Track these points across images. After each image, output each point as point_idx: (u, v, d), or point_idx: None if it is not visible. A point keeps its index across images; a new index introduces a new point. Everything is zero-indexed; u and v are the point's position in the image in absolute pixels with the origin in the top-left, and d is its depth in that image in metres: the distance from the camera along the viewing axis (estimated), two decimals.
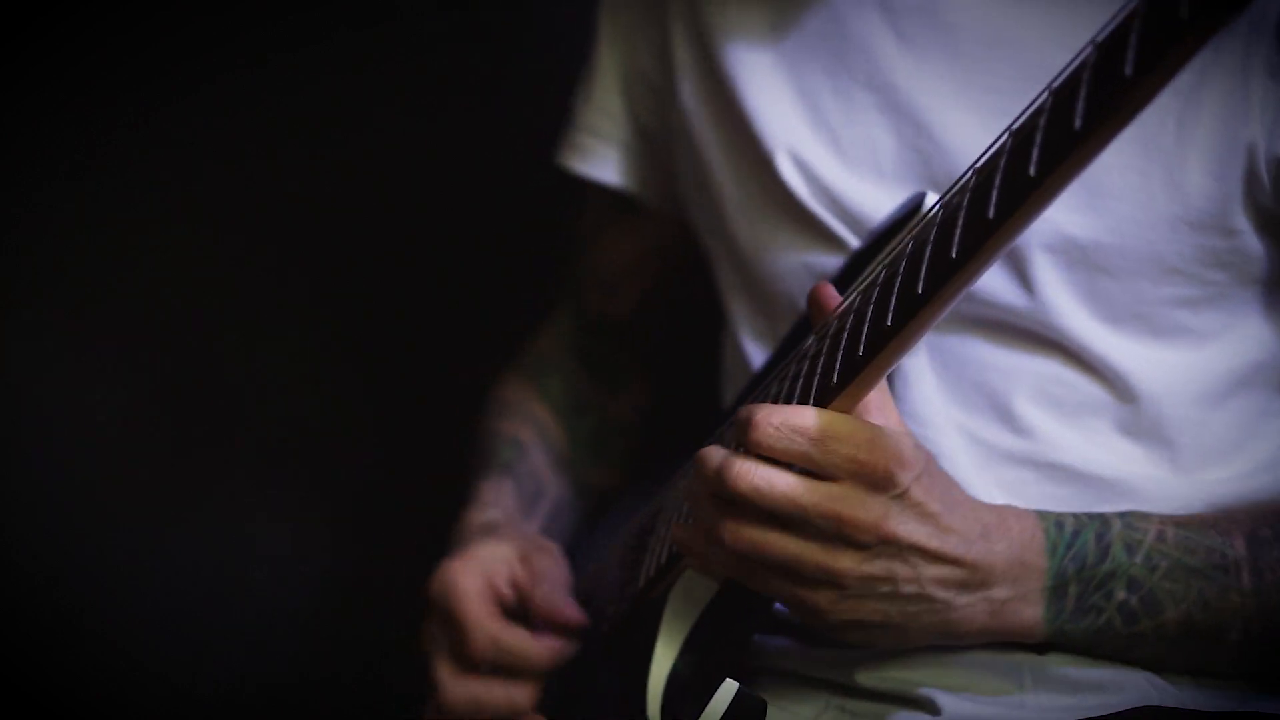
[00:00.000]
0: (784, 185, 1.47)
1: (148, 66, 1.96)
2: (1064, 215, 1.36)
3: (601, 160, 1.67)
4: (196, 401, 2.03)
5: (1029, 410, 1.40)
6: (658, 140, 1.64)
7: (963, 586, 1.24)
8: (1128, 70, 0.98)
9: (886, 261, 1.20)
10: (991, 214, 1.08)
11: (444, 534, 1.61)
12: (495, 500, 1.63)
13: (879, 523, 1.19)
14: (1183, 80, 1.01)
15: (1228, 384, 1.41)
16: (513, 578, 1.47)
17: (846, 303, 1.24)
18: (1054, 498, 1.38)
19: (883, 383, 1.22)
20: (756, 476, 1.19)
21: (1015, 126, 1.09)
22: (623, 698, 1.35)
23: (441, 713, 1.46)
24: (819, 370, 1.23)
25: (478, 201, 2.02)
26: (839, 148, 1.46)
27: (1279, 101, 1.32)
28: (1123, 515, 1.30)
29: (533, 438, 1.72)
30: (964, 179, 1.13)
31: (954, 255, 1.11)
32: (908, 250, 1.17)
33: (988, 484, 1.39)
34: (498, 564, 1.48)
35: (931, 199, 1.32)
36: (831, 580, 1.21)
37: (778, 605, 1.32)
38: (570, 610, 1.44)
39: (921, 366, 1.41)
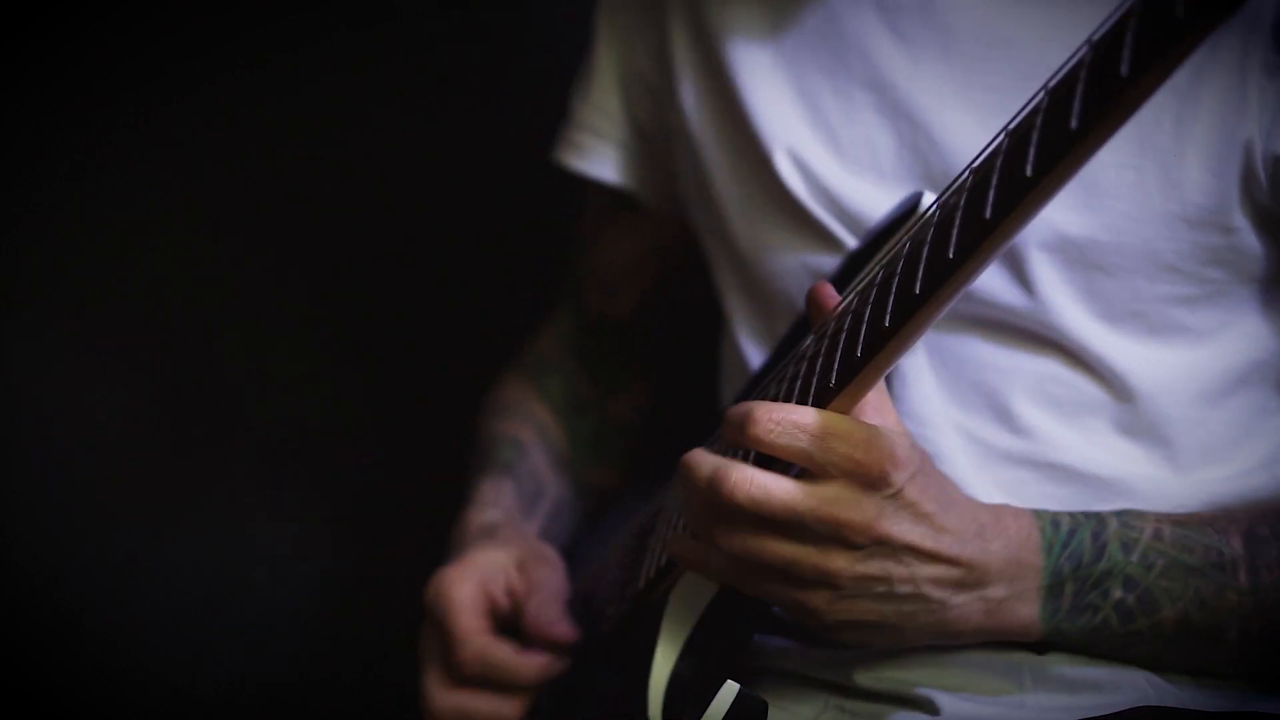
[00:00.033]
0: (782, 184, 1.47)
1: (148, 66, 1.96)
2: (1061, 214, 1.36)
3: (600, 158, 1.67)
4: (196, 401, 2.03)
5: (1027, 410, 1.40)
6: (656, 140, 1.64)
7: (958, 586, 1.24)
8: (1124, 69, 0.98)
9: (884, 262, 1.20)
10: (988, 214, 1.08)
11: (444, 534, 1.61)
12: (495, 500, 1.63)
13: (872, 523, 1.19)
14: (1180, 78, 1.01)
15: (1226, 382, 1.41)
16: (509, 585, 1.48)
17: (844, 303, 1.23)
18: (1052, 497, 1.38)
19: (881, 383, 1.22)
20: (754, 488, 1.19)
21: (1011, 126, 1.09)
22: (623, 698, 1.35)
23: None
24: (817, 371, 1.23)
25: (478, 201, 2.02)
26: (838, 147, 1.46)
27: (1276, 99, 1.32)
28: (1119, 514, 1.30)
29: (533, 438, 1.72)
30: (961, 179, 1.13)
31: (951, 255, 1.11)
32: (905, 251, 1.17)
33: (986, 484, 1.39)
34: (494, 571, 1.48)
35: (929, 198, 1.32)
36: (826, 581, 1.21)
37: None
38: (560, 627, 1.44)
39: (920, 366, 1.41)
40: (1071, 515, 1.29)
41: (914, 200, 1.35)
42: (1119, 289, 1.38)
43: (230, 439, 2.03)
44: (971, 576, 1.24)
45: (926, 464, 1.22)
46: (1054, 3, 1.38)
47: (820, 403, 1.21)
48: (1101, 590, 1.27)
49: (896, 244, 1.19)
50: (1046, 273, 1.38)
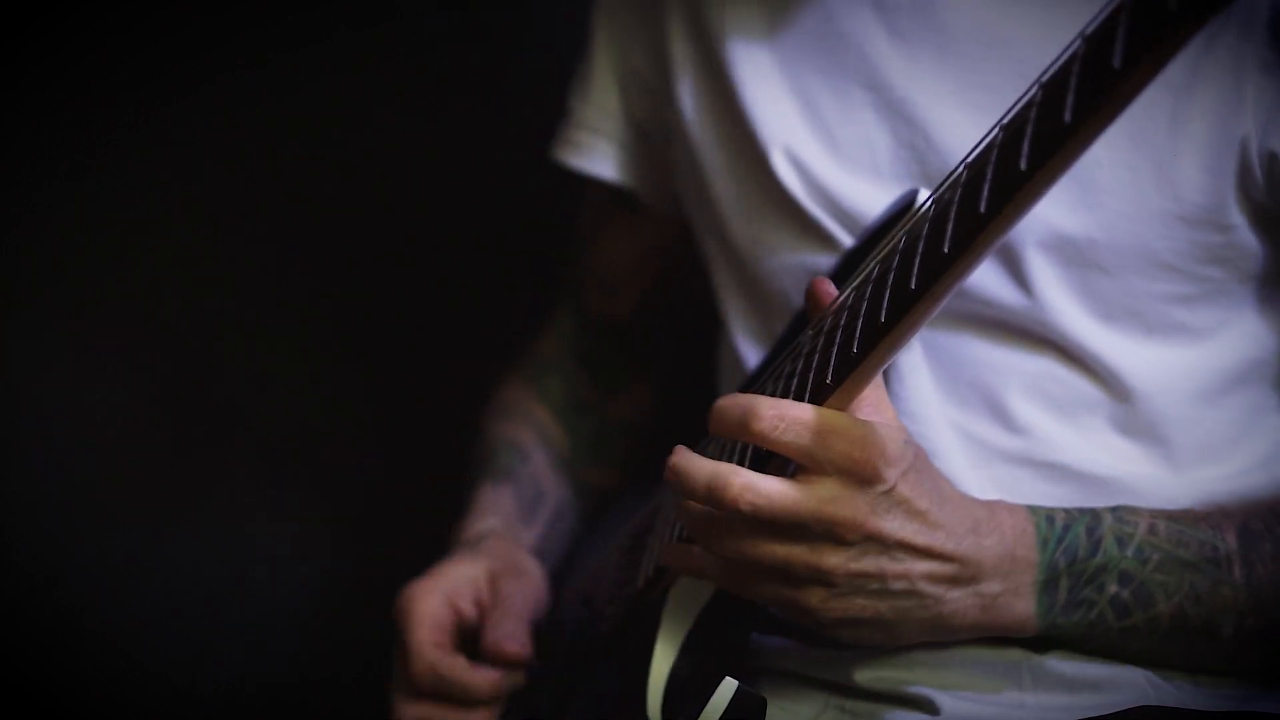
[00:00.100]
0: (779, 184, 1.47)
1: (148, 66, 1.96)
2: (1057, 212, 1.36)
3: (598, 156, 1.67)
4: (196, 401, 2.03)
5: (1024, 408, 1.40)
6: (654, 139, 1.64)
7: (953, 582, 1.24)
8: (1116, 63, 0.99)
9: (880, 258, 1.20)
10: (983, 208, 1.09)
11: (444, 534, 1.61)
12: (494, 508, 1.64)
13: (864, 520, 1.19)
14: (1176, 75, 1.01)
15: (1223, 381, 1.40)
16: (478, 598, 1.49)
17: (840, 300, 1.24)
18: (1049, 496, 1.37)
19: (878, 379, 1.22)
20: (756, 495, 1.19)
21: (1006, 120, 1.09)
22: (622, 698, 1.35)
23: None
24: (814, 367, 1.23)
25: (478, 201, 2.02)
26: (835, 146, 1.46)
27: (1272, 96, 1.32)
28: (1114, 509, 1.30)
29: (533, 439, 1.72)
30: (955, 174, 1.14)
31: (946, 250, 1.11)
32: (900, 246, 1.17)
33: (982, 482, 1.39)
34: (462, 584, 1.50)
35: (924, 196, 1.32)
36: (820, 579, 1.21)
37: None
38: (510, 644, 1.45)
39: (916, 364, 1.41)
40: (1066, 511, 1.29)
41: (909, 198, 1.35)
42: (1116, 287, 1.38)
43: (230, 439, 2.03)
44: (966, 572, 1.24)
45: (920, 460, 1.22)
46: (1051, 2, 1.38)
47: (818, 399, 1.21)
48: (1097, 585, 1.27)
49: (892, 240, 1.19)
50: (1043, 271, 1.38)
